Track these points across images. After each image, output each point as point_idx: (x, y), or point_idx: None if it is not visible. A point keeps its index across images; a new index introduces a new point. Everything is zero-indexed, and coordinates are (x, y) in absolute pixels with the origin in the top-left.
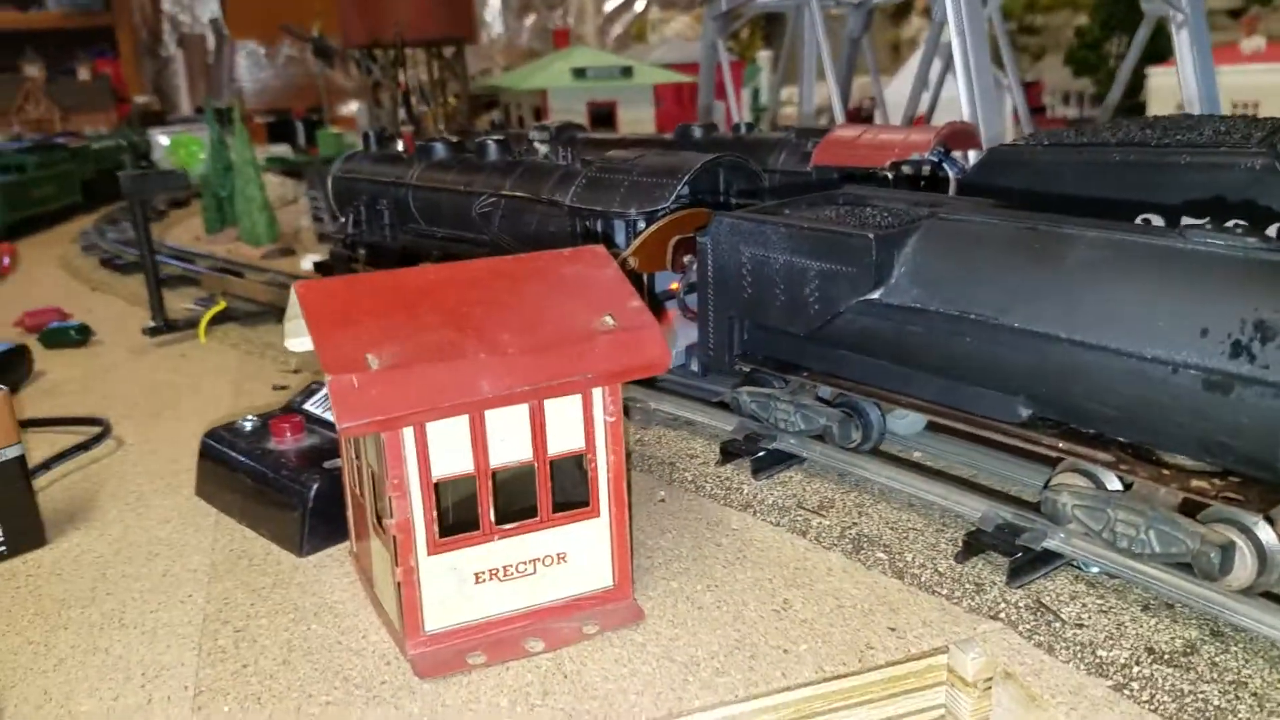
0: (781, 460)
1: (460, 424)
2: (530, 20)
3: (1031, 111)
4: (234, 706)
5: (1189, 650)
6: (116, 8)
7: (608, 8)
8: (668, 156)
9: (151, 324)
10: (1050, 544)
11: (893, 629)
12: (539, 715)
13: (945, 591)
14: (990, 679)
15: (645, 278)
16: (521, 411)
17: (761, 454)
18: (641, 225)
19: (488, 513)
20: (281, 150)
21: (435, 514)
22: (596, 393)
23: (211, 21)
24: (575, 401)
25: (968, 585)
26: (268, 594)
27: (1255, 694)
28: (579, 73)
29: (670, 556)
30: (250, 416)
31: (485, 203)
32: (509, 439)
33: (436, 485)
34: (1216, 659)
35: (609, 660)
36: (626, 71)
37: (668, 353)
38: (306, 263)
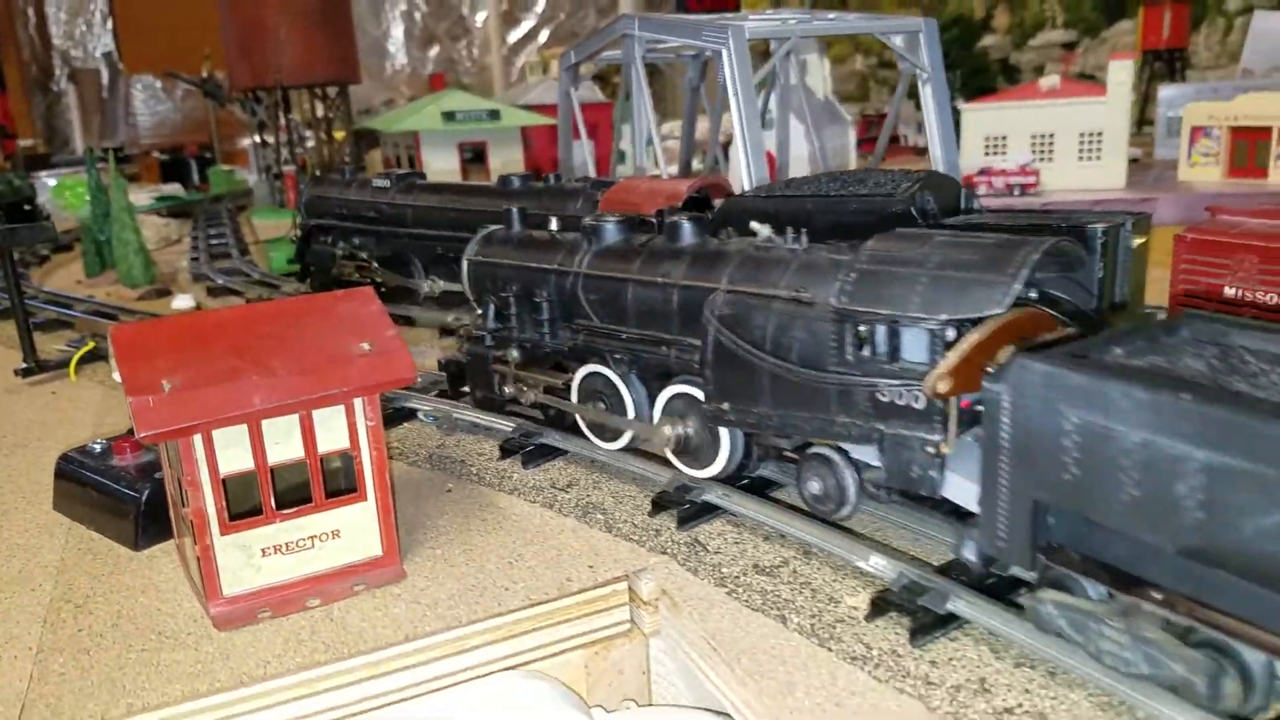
0: (548, 453)
1: (241, 431)
2: (434, 51)
3: (892, 141)
4: (67, 658)
5: (781, 564)
6: (2, 42)
7: (511, 39)
8: (985, 235)
9: (23, 365)
10: (709, 497)
11: (591, 566)
12: (305, 647)
13: (636, 538)
14: (659, 598)
15: (952, 404)
16: (293, 420)
17: (531, 448)
18: (952, 335)
19: (269, 500)
20: (173, 189)
21: (225, 503)
22: (358, 402)
23: (104, 55)
24: (339, 411)
25: (651, 532)
26: (105, 579)
27: (814, 589)
28: (449, 115)
29: (441, 532)
30: (99, 440)
31: (715, 303)
32: (285, 441)
33: (225, 480)
34: (798, 569)
35: (368, 608)
36: (494, 114)
37: (413, 369)
38: (179, 302)
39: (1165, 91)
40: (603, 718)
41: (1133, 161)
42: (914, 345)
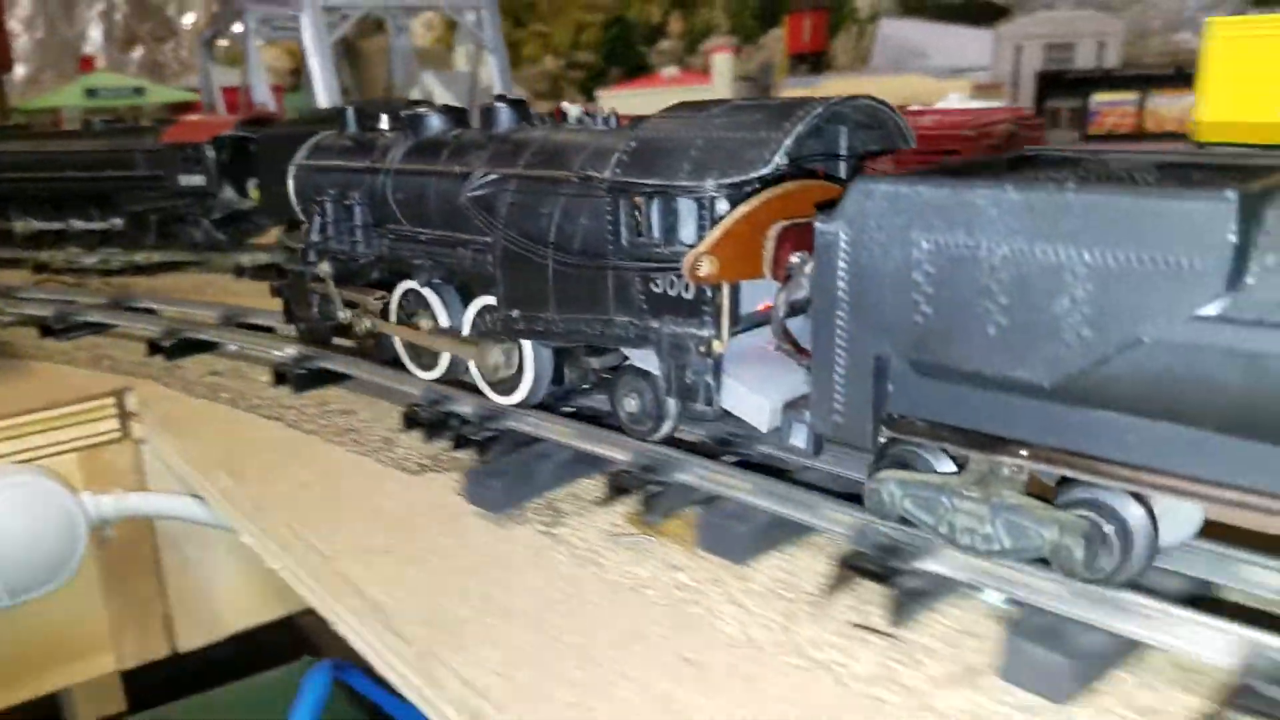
0: (326, 379)
1: None
2: (138, 53)
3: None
4: None
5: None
6: None
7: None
8: (766, 102)
9: None
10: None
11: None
12: None
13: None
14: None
15: (725, 291)
16: None
17: (304, 373)
18: (723, 206)
19: None
20: None
21: None
22: None
23: None
24: None
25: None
26: None
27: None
28: (91, 92)
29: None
30: None
31: (478, 185)
32: None
33: None
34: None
35: None
36: (139, 91)
37: None
38: None
39: (791, 80)
40: (89, 498)
41: None
42: (687, 221)
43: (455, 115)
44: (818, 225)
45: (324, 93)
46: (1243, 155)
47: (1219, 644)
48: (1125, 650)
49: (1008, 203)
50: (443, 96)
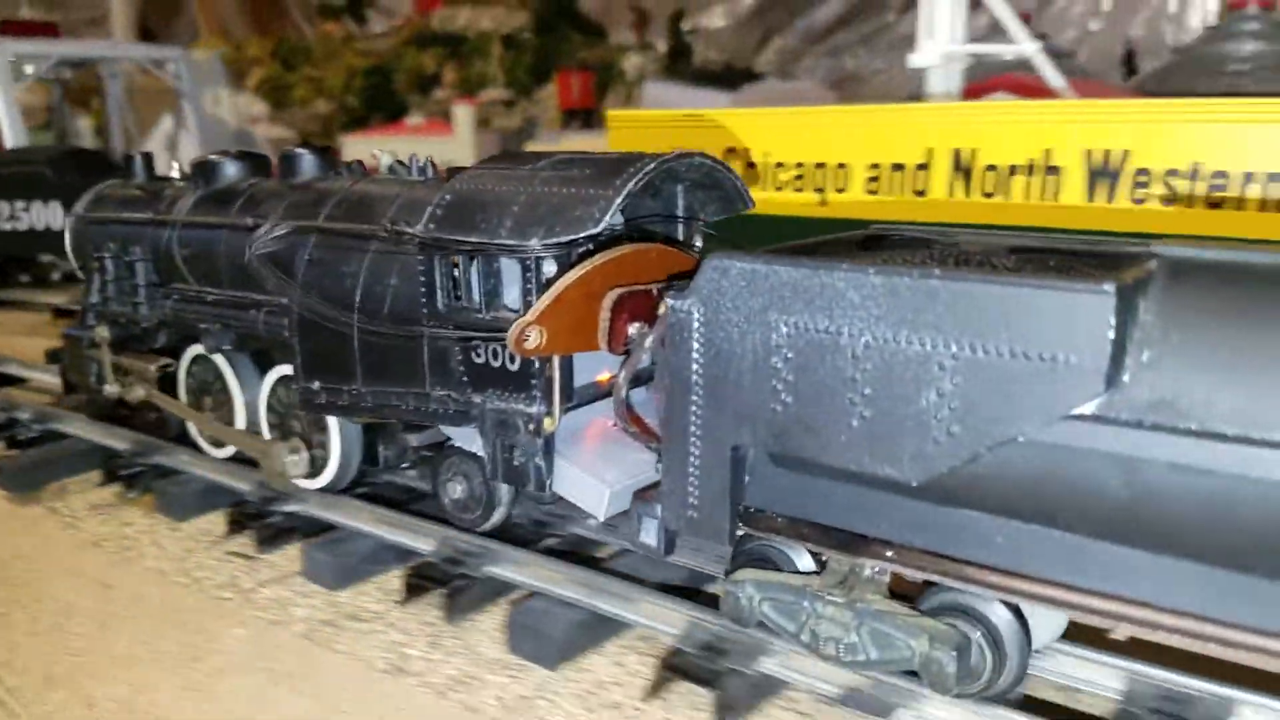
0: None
1: None
2: None
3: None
4: None
5: None
6: None
7: None
8: (594, 156)
9: None
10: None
11: None
12: None
13: None
14: None
15: (556, 364)
16: None
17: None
18: (551, 269)
19: None
20: None
21: None
22: None
23: None
24: None
25: None
26: None
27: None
28: None
29: None
30: None
31: (268, 240)
32: None
33: None
34: None
35: None
36: None
37: None
38: None
39: (548, 135)
40: None
41: None
42: (510, 285)
43: (254, 163)
44: (669, 302)
45: (9, 134)
46: (1099, 242)
47: None
48: None
49: (870, 287)
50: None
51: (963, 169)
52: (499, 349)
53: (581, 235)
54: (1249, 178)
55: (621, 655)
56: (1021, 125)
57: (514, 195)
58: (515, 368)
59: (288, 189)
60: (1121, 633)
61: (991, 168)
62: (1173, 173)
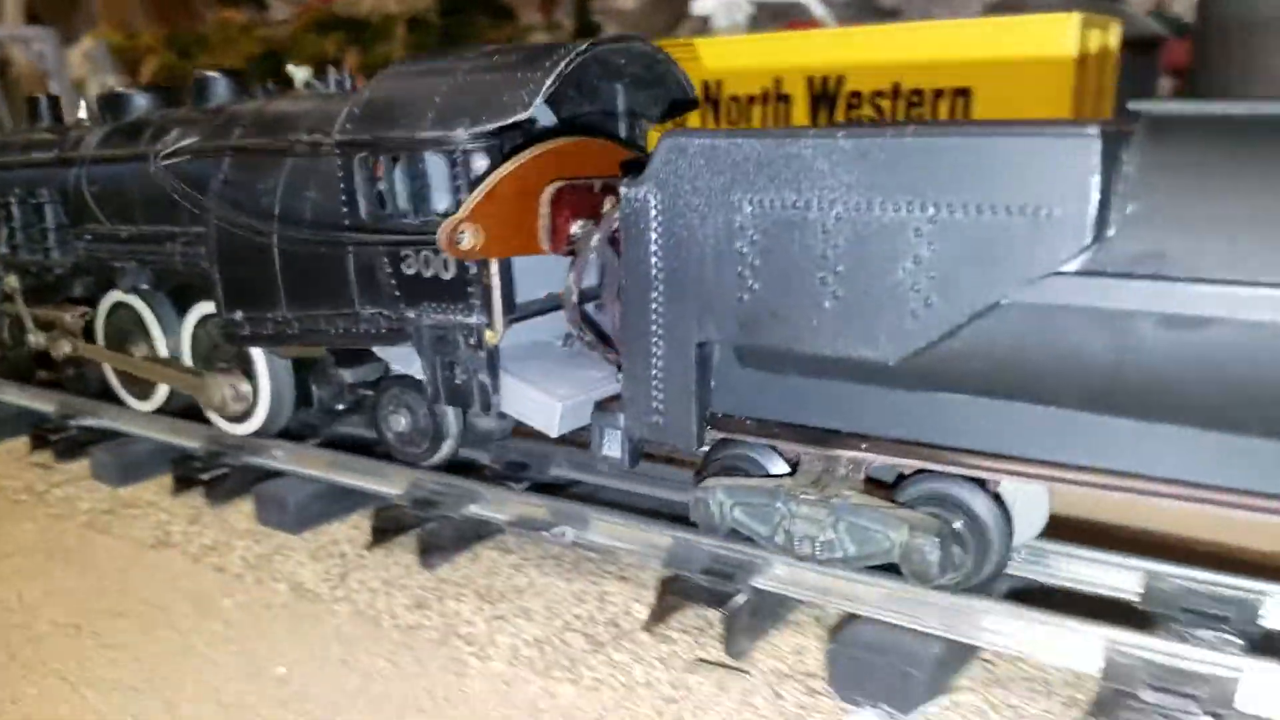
0: None
1: None
2: None
3: None
4: None
5: None
6: None
7: None
8: (520, 46)
9: None
10: None
11: None
12: None
13: None
14: None
15: (494, 268)
16: None
17: None
18: (481, 163)
19: None
20: None
21: None
22: None
23: None
24: None
25: None
26: None
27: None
28: None
29: None
30: None
31: (177, 152)
32: None
33: None
34: None
35: None
36: None
37: None
38: None
39: None
40: None
41: None
42: (438, 183)
43: (162, 94)
44: (623, 190)
45: None
46: None
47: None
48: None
49: (839, 152)
50: None
51: (710, 100)
52: (430, 256)
53: (511, 120)
54: (939, 94)
55: (361, 522)
56: (757, 58)
57: (435, 87)
58: (450, 276)
59: (200, 114)
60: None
61: (735, 99)
62: (879, 94)
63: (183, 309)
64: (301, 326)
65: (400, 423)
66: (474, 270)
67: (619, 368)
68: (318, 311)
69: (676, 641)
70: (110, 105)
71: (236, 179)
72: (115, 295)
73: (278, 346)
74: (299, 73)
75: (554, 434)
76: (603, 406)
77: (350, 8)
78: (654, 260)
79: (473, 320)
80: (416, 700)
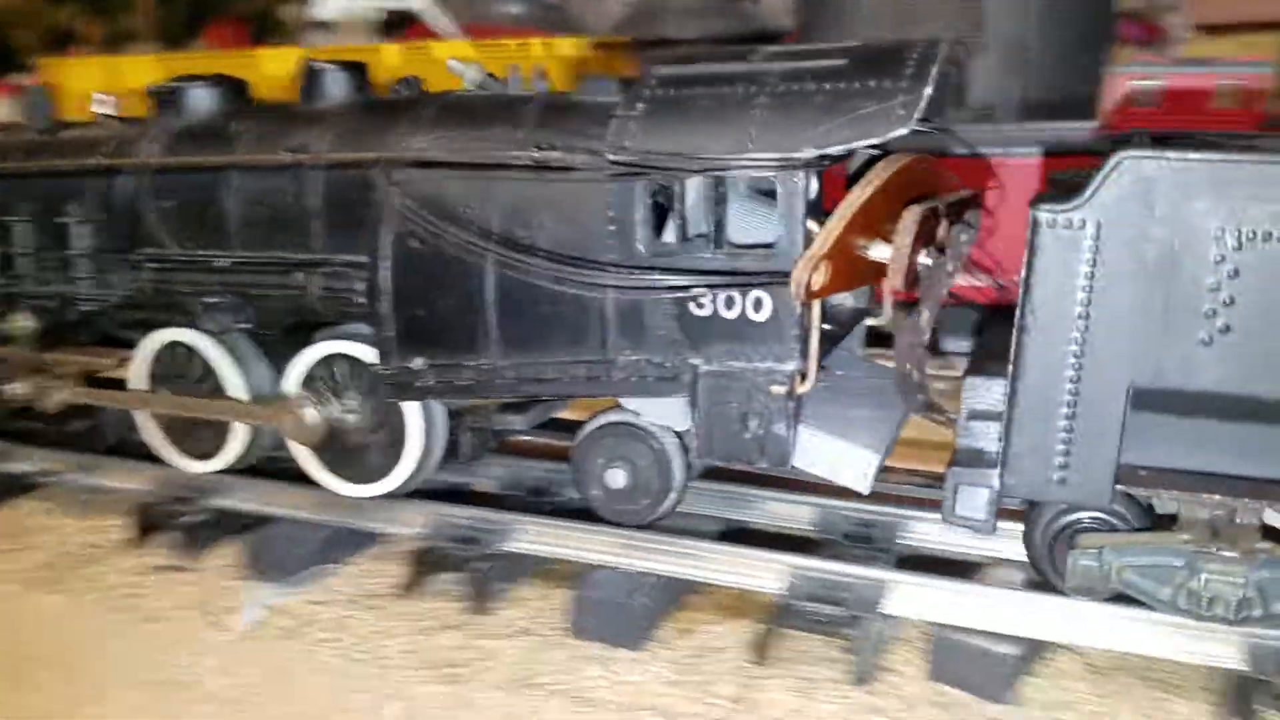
0: None
1: None
2: None
3: None
4: None
5: None
6: None
7: None
8: (830, 46)
9: None
10: None
11: None
12: None
13: None
14: None
15: (815, 309)
16: None
17: None
18: (815, 187)
19: None
20: None
21: None
22: None
23: None
24: None
25: None
26: None
27: None
28: None
29: None
30: None
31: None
32: None
33: None
34: None
35: None
36: None
37: None
38: None
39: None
40: None
41: None
42: (750, 213)
43: (233, 88)
44: (1041, 216)
45: None
46: None
47: None
48: None
49: None
50: None
51: None
52: (736, 297)
53: (889, 137)
54: None
55: None
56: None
57: (748, 98)
58: (762, 318)
59: (321, 112)
60: None
61: None
62: None
63: (278, 355)
64: (517, 375)
65: (619, 479)
66: (798, 311)
67: (943, 422)
68: (545, 359)
69: None
70: (166, 100)
71: (429, 195)
72: (170, 335)
73: (472, 398)
74: (468, 71)
75: (865, 491)
76: (962, 463)
77: None
78: (1080, 295)
79: (787, 367)
80: None
